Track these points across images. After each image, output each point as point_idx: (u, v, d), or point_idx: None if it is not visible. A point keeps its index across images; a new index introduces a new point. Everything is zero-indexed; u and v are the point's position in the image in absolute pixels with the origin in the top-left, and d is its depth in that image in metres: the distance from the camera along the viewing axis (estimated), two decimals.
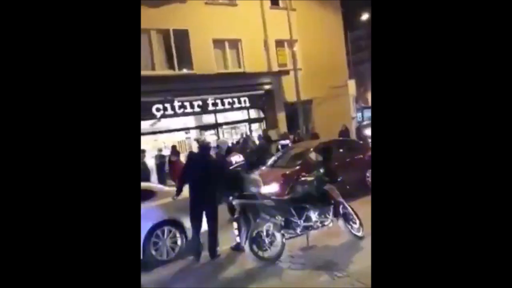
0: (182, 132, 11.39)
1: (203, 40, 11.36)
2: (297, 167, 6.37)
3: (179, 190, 4.67)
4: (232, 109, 11.92)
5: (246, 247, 4.01)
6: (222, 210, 4.81)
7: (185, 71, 11.18)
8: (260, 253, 3.99)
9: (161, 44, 10.96)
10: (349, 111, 14.55)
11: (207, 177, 4.40)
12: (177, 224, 4.72)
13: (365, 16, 19.38)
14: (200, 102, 11.19)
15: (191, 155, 7.98)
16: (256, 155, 8.61)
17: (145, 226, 4.47)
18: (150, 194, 4.78)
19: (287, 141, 10.01)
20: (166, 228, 4.66)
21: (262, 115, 12.71)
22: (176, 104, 10.74)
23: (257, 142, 11.01)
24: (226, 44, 12.05)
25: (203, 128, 11.75)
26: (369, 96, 25.86)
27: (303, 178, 4.50)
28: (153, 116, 10.47)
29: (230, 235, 4.56)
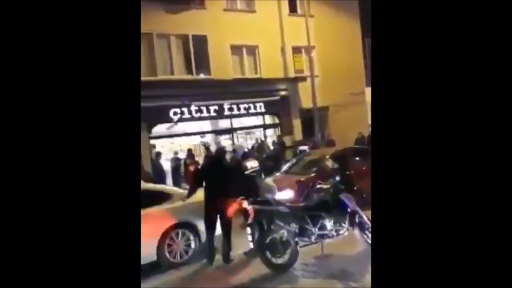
0: (198, 136, 11.52)
1: (221, 46, 11.51)
2: (312, 174, 6.31)
3: (191, 193, 4.71)
4: (247, 114, 11.97)
5: (260, 253, 4.00)
6: (236, 215, 4.82)
7: (202, 76, 11.34)
8: (274, 259, 3.97)
9: (180, 49, 11.17)
10: (366, 119, 14.33)
11: (222, 181, 4.42)
12: (191, 227, 4.75)
13: None
14: (216, 107, 11.31)
15: (206, 158, 8.05)
16: (270, 161, 8.60)
17: (159, 228, 4.53)
18: (165, 197, 4.84)
19: (305, 147, 9.95)
20: (180, 231, 4.70)
21: (277, 121, 12.71)
22: (193, 108, 10.88)
23: (271, 148, 11.02)
24: (244, 50, 12.16)
25: (219, 132, 11.86)
26: None
27: (318, 186, 4.45)
28: (170, 120, 10.64)
29: (244, 241, 4.55)
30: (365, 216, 4.46)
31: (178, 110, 10.66)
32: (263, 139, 11.97)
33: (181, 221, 4.71)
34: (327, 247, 4.31)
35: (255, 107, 11.97)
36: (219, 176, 4.45)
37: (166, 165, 9.40)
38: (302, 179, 6.23)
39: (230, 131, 11.95)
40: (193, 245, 4.75)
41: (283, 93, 12.28)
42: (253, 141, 11.70)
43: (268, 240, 3.98)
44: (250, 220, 4.20)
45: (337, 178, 4.43)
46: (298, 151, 9.68)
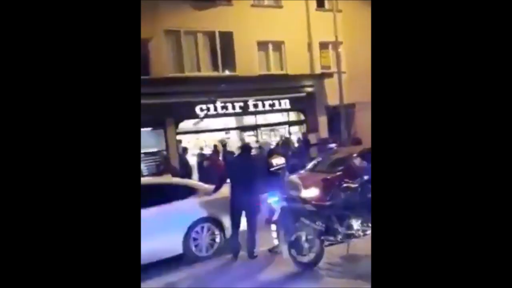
0: (222, 132, 11.63)
1: (247, 42, 11.51)
2: (339, 173, 6.21)
3: (217, 188, 4.77)
4: (272, 111, 11.92)
5: (284, 250, 3.99)
6: (262, 211, 4.82)
7: (227, 72, 11.41)
8: (299, 257, 3.95)
9: (206, 46, 11.28)
10: None
11: (248, 177, 4.44)
12: (216, 222, 4.82)
13: None
14: (241, 104, 11.35)
15: (232, 155, 8.12)
16: (295, 158, 8.54)
17: (185, 222, 4.63)
18: (191, 191, 4.93)
19: (333, 145, 9.81)
20: (205, 225, 4.78)
21: (302, 118, 12.57)
22: (219, 104, 10.99)
23: (296, 145, 10.93)
24: (270, 46, 12.10)
25: (243, 129, 11.90)
26: None
27: (345, 185, 4.36)
28: (196, 116, 10.81)
29: (268, 237, 4.56)
30: None
31: (204, 107, 10.80)
32: (287, 136, 11.90)
33: (206, 215, 4.79)
34: (353, 247, 4.22)
35: (280, 104, 11.90)
36: (244, 172, 4.47)
37: (192, 160, 9.57)
38: (329, 177, 6.14)
39: (255, 127, 11.97)
40: (218, 240, 4.82)
41: (309, 89, 12.12)
42: (278, 138, 11.65)
43: (293, 238, 3.96)
44: (275, 217, 4.19)
45: (365, 177, 4.32)
46: (327, 148, 9.56)
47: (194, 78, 10.70)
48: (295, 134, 12.30)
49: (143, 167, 9.35)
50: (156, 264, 4.42)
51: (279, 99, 11.80)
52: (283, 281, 3.80)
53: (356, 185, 4.28)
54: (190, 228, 4.66)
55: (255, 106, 11.61)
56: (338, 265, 4.00)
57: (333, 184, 5.03)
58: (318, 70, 12.57)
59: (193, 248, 4.67)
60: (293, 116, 12.59)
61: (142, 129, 10.50)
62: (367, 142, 10.11)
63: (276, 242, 4.29)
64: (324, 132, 12.25)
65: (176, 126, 10.67)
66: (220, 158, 8.96)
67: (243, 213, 4.54)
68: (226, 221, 4.75)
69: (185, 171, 8.70)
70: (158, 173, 8.63)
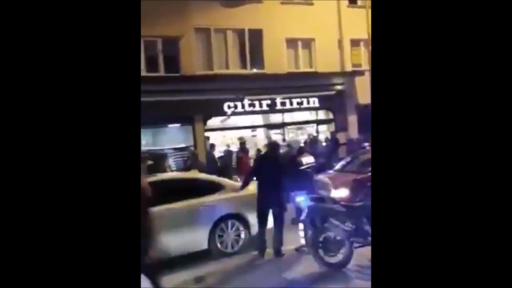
0: (249, 130, 11.63)
1: (276, 40, 11.42)
2: (370, 174, 5.99)
3: (245, 185, 4.74)
4: (300, 109, 11.78)
5: (312, 250, 3.90)
6: (289, 210, 4.75)
7: (255, 70, 11.38)
8: (326, 258, 3.86)
9: (236, 44, 11.32)
10: None
11: (277, 175, 4.39)
12: (241, 219, 4.81)
13: None
14: (269, 101, 11.29)
15: (260, 152, 8.08)
16: (322, 157, 8.36)
17: (211, 218, 4.65)
18: (217, 187, 4.95)
19: (366, 144, 9.53)
20: (231, 222, 4.78)
21: (331, 116, 12.31)
22: (246, 102, 10.99)
23: (323, 144, 10.70)
24: (299, 43, 11.93)
25: (270, 127, 11.84)
26: None
27: None
28: (224, 113, 10.88)
29: (295, 236, 4.47)
30: None
31: (232, 104, 10.85)
32: (315, 134, 11.69)
33: (232, 212, 4.79)
34: None
35: (308, 102, 11.72)
36: (273, 170, 4.41)
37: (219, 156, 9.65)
38: (359, 177, 5.94)
39: (281, 125, 11.86)
40: (243, 236, 4.80)
41: (339, 87, 11.85)
42: (305, 137, 11.48)
43: (321, 238, 3.86)
44: (303, 216, 4.10)
45: None
46: (359, 148, 9.28)
47: (223, 75, 10.77)
48: (323, 133, 12.07)
49: (171, 162, 9.55)
50: (183, 258, 4.46)
51: (307, 97, 11.63)
52: (310, 281, 3.72)
53: None
54: (216, 224, 4.67)
55: (283, 104, 11.51)
56: (368, 267, 3.84)
57: (364, 185, 4.86)
58: (348, 68, 12.26)
59: (218, 244, 4.68)
60: (321, 115, 12.37)
61: (171, 125, 10.81)
62: None
63: (303, 241, 4.20)
64: (353, 132, 11.92)
65: (204, 123, 10.80)
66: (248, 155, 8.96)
67: (270, 211, 4.48)
68: (251, 218, 4.72)
69: (212, 167, 8.79)
70: (186, 168, 8.79)
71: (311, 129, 12.25)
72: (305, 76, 11.76)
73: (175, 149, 10.18)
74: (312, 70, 12.00)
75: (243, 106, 10.99)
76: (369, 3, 11.75)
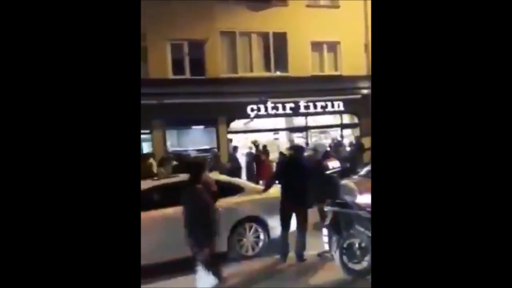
0: (271, 133, 11.60)
1: (301, 43, 11.37)
2: None
3: (267, 188, 4.70)
4: (324, 112, 11.63)
5: (336, 256, 3.80)
6: (312, 214, 4.67)
7: (279, 73, 11.36)
8: (350, 265, 3.75)
9: (260, 47, 11.36)
10: None
11: (301, 179, 4.31)
12: (261, 222, 4.75)
13: None
14: (292, 104, 11.23)
15: (283, 155, 8.02)
16: (346, 162, 8.18)
17: (231, 220, 4.59)
18: (238, 190, 4.92)
19: None
20: (250, 225, 4.74)
21: (356, 120, 12.06)
22: (270, 105, 10.98)
23: (348, 148, 10.48)
24: (325, 46, 11.81)
25: (293, 130, 11.76)
26: None
27: None
28: (247, 116, 10.92)
29: (318, 241, 4.38)
30: None
31: (255, 107, 10.87)
32: (339, 139, 11.49)
33: (252, 215, 4.74)
34: None
35: (332, 106, 11.56)
36: (297, 174, 4.35)
37: (241, 159, 9.67)
38: None
39: (305, 129, 11.75)
40: (262, 239, 4.76)
41: (364, 91, 11.59)
42: (328, 141, 11.30)
43: (345, 244, 3.76)
44: (327, 222, 4.01)
45: None
46: None
47: (247, 78, 10.83)
48: (347, 137, 11.84)
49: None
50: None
51: (331, 101, 11.47)
52: (333, 287, 3.62)
53: None
54: (235, 226, 4.64)
55: (306, 107, 11.41)
56: None
57: None
58: None
59: (237, 246, 4.65)
60: (346, 119, 12.14)
61: (195, 127, 10.97)
62: None
63: (326, 247, 4.10)
64: None
65: (228, 125, 10.88)
66: (269, 159, 8.90)
67: (293, 214, 4.42)
68: (271, 222, 4.66)
69: (234, 169, 8.81)
70: (208, 170, 8.80)
71: (334, 133, 12.06)
72: (330, 79, 11.60)
73: (198, 150, 10.31)
74: (337, 73, 11.83)
75: (266, 109, 11.00)
76: None
